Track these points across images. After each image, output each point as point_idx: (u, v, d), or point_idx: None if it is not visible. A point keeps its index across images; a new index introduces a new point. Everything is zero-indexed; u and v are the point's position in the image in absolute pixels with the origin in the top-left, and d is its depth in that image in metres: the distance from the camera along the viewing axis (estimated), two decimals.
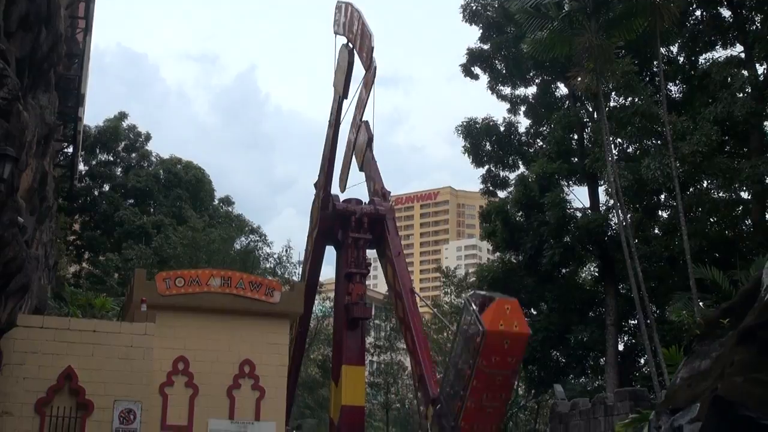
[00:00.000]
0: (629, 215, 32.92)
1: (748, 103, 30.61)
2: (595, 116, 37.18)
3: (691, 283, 24.79)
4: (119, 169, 51.35)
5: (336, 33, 25.94)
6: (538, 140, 41.06)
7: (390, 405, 53.19)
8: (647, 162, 30.78)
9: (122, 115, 51.80)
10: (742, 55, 33.94)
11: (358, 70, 25.14)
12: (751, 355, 6.27)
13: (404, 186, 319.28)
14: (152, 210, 49.92)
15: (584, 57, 27.82)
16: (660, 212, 38.07)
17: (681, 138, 30.58)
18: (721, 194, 34.51)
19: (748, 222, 34.76)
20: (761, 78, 32.48)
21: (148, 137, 52.79)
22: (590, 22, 28.42)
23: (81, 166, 44.11)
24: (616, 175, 28.77)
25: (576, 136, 39.16)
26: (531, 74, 40.55)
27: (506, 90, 41.52)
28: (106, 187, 50.41)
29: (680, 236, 27.65)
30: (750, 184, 31.15)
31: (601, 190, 38.56)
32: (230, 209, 55.51)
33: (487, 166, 41.21)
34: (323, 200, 25.66)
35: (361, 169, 27.21)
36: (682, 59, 37.16)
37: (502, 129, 40.41)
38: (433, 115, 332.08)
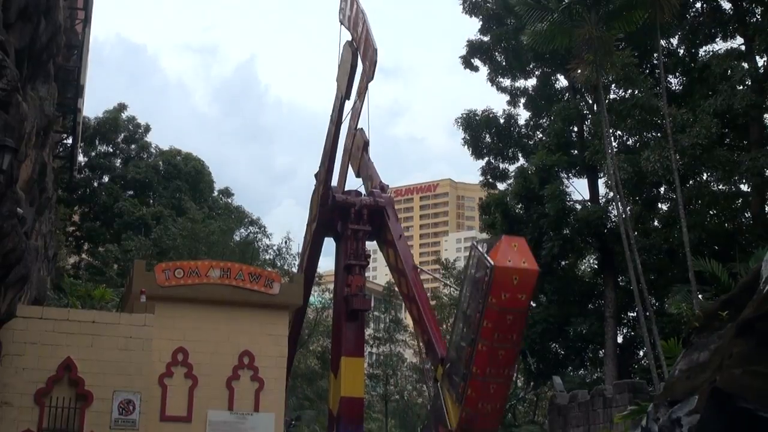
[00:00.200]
0: (629, 207, 32.97)
1: (748, 95, 30.61)
2: (595, 108, 37.17)
3: (690, 275, 24.82)
4: (119, 161, 51.36)
5: (341, 22, 25.84)
6: (538, 132, 41.05)
7: (389, 396, 53.31)
8: (647, 154, 30.77)
9: (122, 107, 51.79)
10: (743, 48, 33.92)
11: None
12: (749, 347, 6.26)
13: (404, 178, 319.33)
14: (152, 201, 49.97)
15: (584, 49, 27.80)
16: (659, 205, 38.16)
17: (681, 130, 30.57)
18: (720, 187, 34.55)
19: (748, 214, 34.82)
20: (761, 70, 32.45)
21: (147, 129, 52.86)
22: (590, 13, 28.38)
23: (80, 158, 44.11)
24: (615, 168, 28.78)
25: (576, 129, 39.16)
26: (531, 66, 40.50)
27: (506, 82, 41.55)
28: (106, 179, 50.44)
29: (680, 229, 27.67)
30: (750, 176, 31.19)
31: (600, 182, 38.59)
32: (230, 201, 55.56)
33: (486, 158, 41.20)
34: (323, 196, 25.66)
35: (357, 175, 27.15)
36: (682, 51, 37.15)
37: (501, 121, 40.39)
38: (434, 107, 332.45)
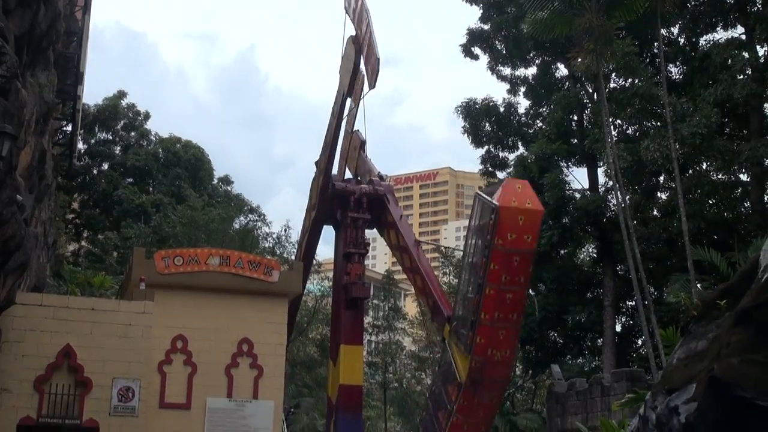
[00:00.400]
0: (628, 197, 32.93)
1: (748, 84, 30.57)
2: (595, 97, 37.10)
3: (689, 264, 24.83)
4: (118, 148, 51.22)
5: (345, 11, 25.68)
6: (538, 121, 40.98)
7: (388, 384, 53.31)
8: (646, 143, 30.74)
9: (121, 94, 51.62)
10: (743, 37, 33.87)
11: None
12: (747, 336, 6.26)
13: (404, 166, 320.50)
14: (151, 189, 49.89)
15: (584, 38, 27.72)
16: (659, 194, 38.16)
17: (681, 120, 30.55)
18: (720, 176, 34.54)
19: (747, 204, 34.83)
20: (762, 60, 32.44)
21: (147, 116, 52.67)
22: (591, 2, 28.25)
23: (80, 145, 44.05)
24: (615, 157, 28.74)
25: (576, 117, 39.09)
26: (531, 55, 40.40)
27: (506, 70, 41.42)
28: (105, 166, 50.35)
29: (679, 218, 27.69)
30: (749, 166, 31.17)
31: (600, 171, 38.55)
32: (229, 189, 55.43)
33: (486, 147, 41.14)
34: (322, 186, 25.64)
35: (355, 176, 27.17)
36: (682, 41, 37.09)
37: (501, 110, 40.31)
38: (434, 96, 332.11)
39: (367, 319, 48.81)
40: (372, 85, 21.72)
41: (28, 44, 15.14)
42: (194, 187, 49.46)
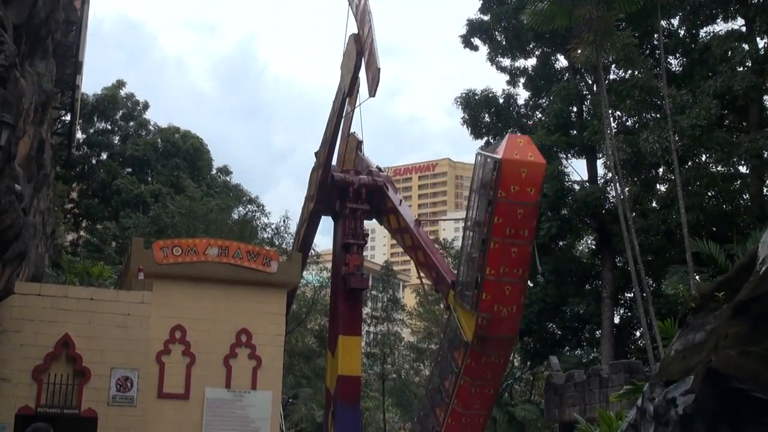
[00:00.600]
0: (627, 188, 32.98)
1: (748, 77, 30.62)
2: (595, 89, 37.10)
3: (688, 256, 24.88)
4: (117, 138, 51.21)
5: (349, 3, 25.52)
6: (537, 112, 40.98)
7: (386, 375, 53.42)
8: (646, 135, 30.75)
9: (120, 84, 51.60)
10: (743, 29, 33.90)
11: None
12: (744, 328, 6.22)
13: (403, 157, 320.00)
14: (150, 179, 49.87)
15: (584, 29, 27.69)
16: (658, 186, 38.19)
17: (680, 111, 30.56)
18: (719, 168, 34.58)
19: (746, 196, 34.89)
20: (762, 52, 32.45)
21: (146, 106, 52.66)
22: None
23: (79, 134, 44.01)
24: (614, 148, 28.77)
25: (575, 109, 39.09)
26: (531, 46, 40.37)
27: (506, 61, 41.40)
28: (104, 156, 50.35)
29: (678, 210, 27.72)
30: (748, 158, 31.23)
31: (599, 163, 38.62)
32: (228, 179, 55.42)
33: (485, 138, 41.05)
34: (321, 180, 25.61)
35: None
36: (682, 32, 37.08)
37: (501, 101, 40.30)
38: (433, 86, 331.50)
39: (366, 310, 48.84)
40: (372, 94, 21.60)
41: (27, 33, 15.11)
42: (193, 178, 49.43)
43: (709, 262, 19.95)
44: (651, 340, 24.96)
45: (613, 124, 33.95)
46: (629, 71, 34.55)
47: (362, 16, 23.31)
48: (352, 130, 27.34)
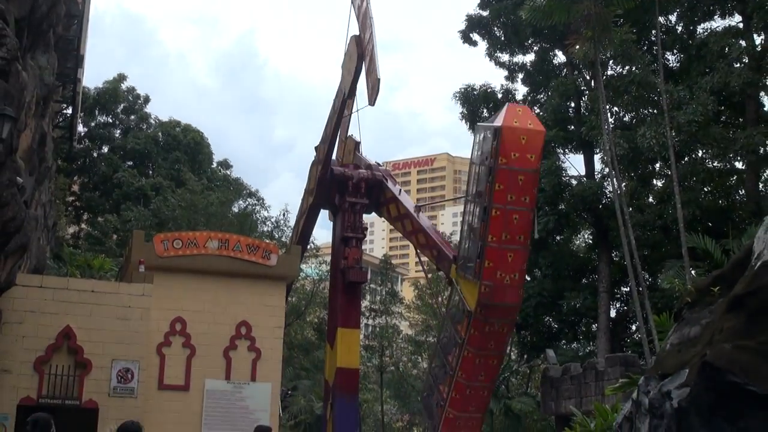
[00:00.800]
0: (624, 183, 33.02)
1: (744, 73, 30.65)
2: (593, 84, 37.09)
3: (684, 251, 24.90)
4: (118, 131, 51.28)
5: (351, 2, 25.47)
6: (535, 107, 40.89)
7: (384, 367, 53.59)
8: (643, 131, 30.83)
9: (121, 77, 51.64)
10: (740, 26, 33.86)
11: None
12: (739, 322, 6.32)
13: (402, 151, 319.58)
14: (151, 172, 49.90)
15: (582, 25, 27.64)
16: (654, 181, 38.18)
17: (677, 107, 30.61)
18: (715, 164, 34.56)
19: (742, 192, 34.91)
20: (758, 48, 32.46)
21: (147, 99, 52.77)
22: None
23: (80, 128, 43.96)
24: (611, 144, 28.79)
25: (573, 104, 39.10)
26: (529, 41, 40.35)
27: (504, 57, 41.39)
28: (105, 149, 50.41)
29: (674, 205, 27.71)
30: (744, 154, 31.24)
31: (596, 158, 38.65)
32: (228, 172, 55.47)
33: None
34: (320, 177, 25.69)
35: None
36: (680, 29, 37.06)
37: (499, 96, 40.28)
38: (432, 81, 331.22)
39: (364, 303, 48.98)
40: (372, 103, 21.66)
41: (29, 27, 15.14)
42: (193, 171, 49.46)
43: (705, 257, 19.95)
44: (647, 333, 25.03)
45: (610, 120, 34.00)
46: (627, 67, 34.53)
47: (364, 19, 23.33)
48: (349, 133, 27.45)
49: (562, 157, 38.12)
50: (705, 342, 6.81)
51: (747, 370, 5.90)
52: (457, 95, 40.02)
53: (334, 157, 26.80)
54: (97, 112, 50.14)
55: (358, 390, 25.77)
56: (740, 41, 32.63)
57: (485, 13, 40.59)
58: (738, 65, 31.62)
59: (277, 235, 44.63)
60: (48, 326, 18.51)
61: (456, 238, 58.26)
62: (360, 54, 22.88)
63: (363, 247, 26.22)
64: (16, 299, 18.24)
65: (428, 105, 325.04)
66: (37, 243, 21.62)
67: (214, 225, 38.01)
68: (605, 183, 36.56)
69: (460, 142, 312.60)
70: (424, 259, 27.05)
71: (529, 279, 37.97)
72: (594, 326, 37.54)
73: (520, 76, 41.24)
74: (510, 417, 42.27)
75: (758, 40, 33.20)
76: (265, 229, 46.07)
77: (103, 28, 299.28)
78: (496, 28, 40.49)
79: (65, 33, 24.18)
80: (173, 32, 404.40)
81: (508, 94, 40.63)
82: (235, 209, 46.99)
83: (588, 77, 38.76)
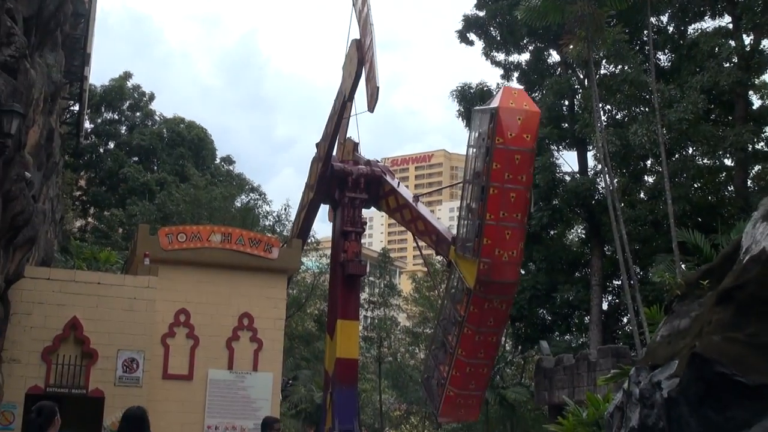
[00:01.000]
0: (616, 180, 33.20)
1: (734, 72, 30.99)
2: (586, 83, 37.30)
3: (674, 245, 25.14)
4: (124, 128, 51.49)
5: (353, 4, 25.66)
6: None
7: (383, 358, 53.84)
8: (635, 128, 31.13)
9: (127, 75, 51.78)
10: (730, 26, 34.12)
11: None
12: (728, 315, 6.39)
13: (400, 148, 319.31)
14: (156, 167, 49.96)
15: (576, 25, 27.89)
16: (646, 177, 38.46)
17: (668, 106, 30.92)
18: (705, 161, 34.86)
19: (731, 188, 35.21)
20: (747, 48, 32.74)
21: (152, 97, 52.98)
22: None
23: (87, 124, 44.04)
24: (604, 141, 29.04)
25: (567, 103, 39.32)
26: (524, 41, 40.57)
27: (500, 56, 41.67)
28: (111, 145, 50.57)
29: (665, 201, 27.97)
30: (733, 151, 31.60)
31: (589, 155, 38.90)
32: (231, 168, 55.56)
33: None
34: (321, 174, 25.95)
35: None
36: (671, 29, 37.33)
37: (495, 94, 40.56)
38: (430, 79, 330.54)
39: (363, 296, 49.29)
40: (371, 110, 21.86)
41: (37, 25, 15.01)
42: (197, 167, 49.61)
43: (695, 252, 20.22)
44: (638, 326, 25.29)
45: (603, 118, 34.17)
46: (619, 66, 34.76)
47: (364, 24, 23.43)
48: (348, 135, 27.76)
49: (556, 153, 38.40)
50: (694, 334, 6.90)
51: (735, 361, 5.96)
52: (454, 93, 40.32)
53: (335, 151, 27.12)
54: (103, 109, 50.40)
55: (357, 380, 25.79)
56: (730, 41, 32.89)
57: (482, 14, 40.82)
58: (727, 65, 31.93)
59: (278, 229, 44.87)
60: (55, 317, 18.63)
61: (453, 231, 58.46)
62: (360, 59, 23.08)
63: (362, 240, 26.42)
64: (25, 291, 18.35)
65: (426, 103, 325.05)
66: (44, 236, 21.59)
67: (217, 219, 38.29)
68: (598, 179, 36.81)
69: (456, 139, 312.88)
70: (425, 252, 27.12)
71: (523, 272, 38.23)
72: (586, 318, 37.75)
73: (516, 74, 41.53)
74: (504, 406, 42.52)
75: (747, 40, 33.46)
76: (267, 223, 46.41)
77: (109, 27, 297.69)
78: (492, 28, 40.73)
79: (72, 32, 24.10)
80: (178, 32, 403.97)
81: None
82: (238, 204, 47.20)
83: (581, 76, 38.99)
